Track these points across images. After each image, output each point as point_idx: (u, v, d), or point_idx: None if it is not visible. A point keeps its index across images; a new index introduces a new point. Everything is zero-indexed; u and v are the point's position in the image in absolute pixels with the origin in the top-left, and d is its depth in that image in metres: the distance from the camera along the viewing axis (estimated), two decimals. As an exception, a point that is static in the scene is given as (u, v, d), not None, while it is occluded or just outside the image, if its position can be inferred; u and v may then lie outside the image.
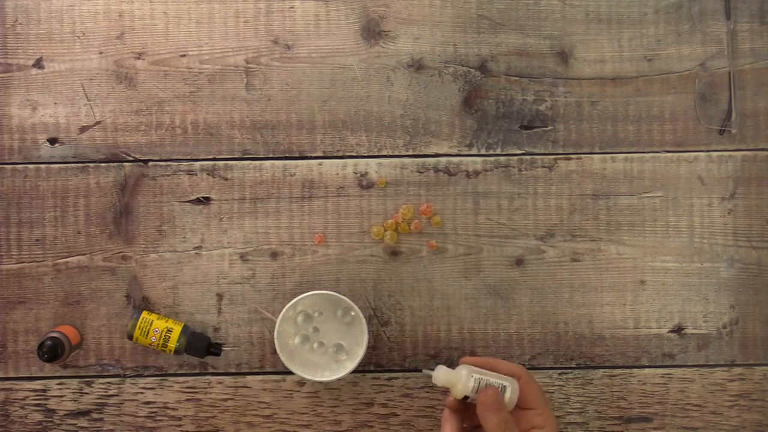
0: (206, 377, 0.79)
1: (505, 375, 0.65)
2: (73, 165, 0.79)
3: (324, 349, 0.76)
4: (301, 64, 0.80)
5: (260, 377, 0.79)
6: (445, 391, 0.76)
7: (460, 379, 0.63)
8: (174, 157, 0.80)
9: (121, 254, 0.79)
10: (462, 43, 0.80)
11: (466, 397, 0.64)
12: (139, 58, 0.80)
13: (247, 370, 0.79)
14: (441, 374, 0.64)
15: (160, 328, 0.76)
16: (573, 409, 0.79)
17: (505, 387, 0.63)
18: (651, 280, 0.80)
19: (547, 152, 0.80)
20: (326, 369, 0.76)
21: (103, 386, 0.79)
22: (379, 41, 0.80)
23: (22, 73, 0.80)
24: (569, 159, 0.80)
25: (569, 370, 0.79)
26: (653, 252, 0.80)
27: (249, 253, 0.79)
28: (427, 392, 0.79)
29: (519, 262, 0.80)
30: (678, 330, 0.80)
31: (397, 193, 0.80)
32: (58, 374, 0.79)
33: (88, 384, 0.79)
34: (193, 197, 0.80)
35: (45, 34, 0.80)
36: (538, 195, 0.80)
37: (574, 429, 0.79)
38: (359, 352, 0.75)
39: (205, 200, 0.79)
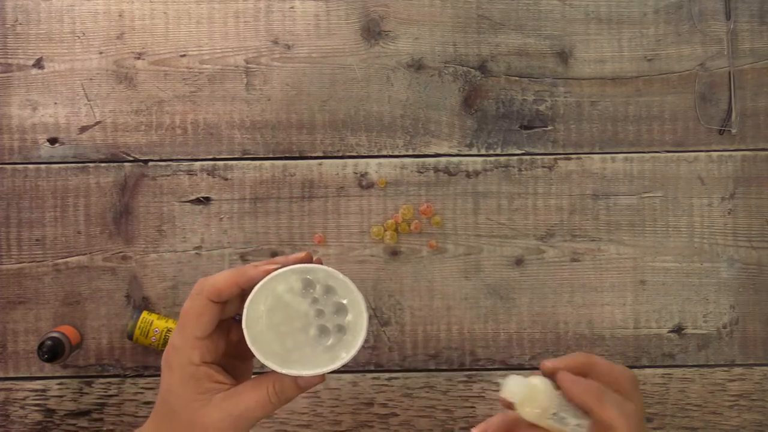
0: (206, 377, 0.79)
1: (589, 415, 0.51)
2: (73, 165, 0.79)
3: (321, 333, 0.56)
4: (301, 64, 0.80)
5: (260, 377, 0.79)
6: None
7: (536, 398, 0.52)
8: (174, 157, 0.80)
9: (121, 254, 0.79)
10: (462, 43, 0.80)
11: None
12: (139, 58, 0.80)
13: (247, 370, 0.79)
14: (511, 385, 0.52)
15: (160, 328, 0.76)
16: (573, 409, 0.79)
17: None
18: (651, 280, 0.80)
19: (547, 152, 0.80)
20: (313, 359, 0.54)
21: (103, 386, 0.79)
22: (379, 41, 0.80)
23: (22, 73, 0.80)
24: (569, 159, 0.80)
25: (569, 370, 0.79)
26: (653, 252, 0.80)
27: (249, 253, 0.79)
28: (427, 392, 0.79)
29: (519, 262, 0.80)
30: (678, 330, 0.80)
31: (397, 193, 0.80)
32: (58, 374, 0.79)
33: (88, 384, 0.79)
34: (193, 197, 0.80)
35: (45, 34, 0.80)
36: (538, 195, 0.80)
37: (574, 429, 0.79)
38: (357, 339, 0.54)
39: (205, 200, 0.79)
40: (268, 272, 0.53)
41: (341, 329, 0.55)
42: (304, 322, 0.55)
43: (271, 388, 0.53)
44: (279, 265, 0.53)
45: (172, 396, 0.53)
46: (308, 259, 0.54)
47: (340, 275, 0.53)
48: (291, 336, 0.55)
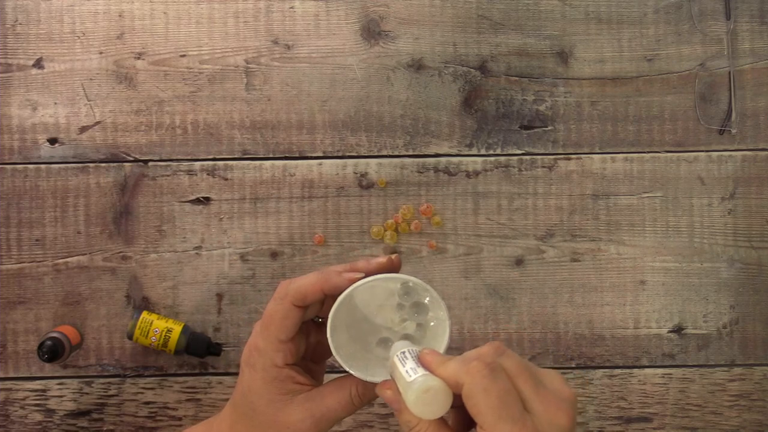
0: (206, 377, 0.79)
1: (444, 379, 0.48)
2: (73, 165, 0.79)
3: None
4: (301, 64, 0.80)
5: (260, 377, 0.79)
6: None
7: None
8: (174, 157, 0.80)
9: (121, 254, 0.79)
10: (462, 43, 0.80)
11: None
12: (139, 58, 0.80)
13: (247, 370, 0.79)
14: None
15: (160, 328, 0.76)
16: (573, 409, 0.79)
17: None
18: (651, 280, 0.80)
19: (547, 152, 0.80)
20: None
21: (103, 386, 0.79)
22: (379, 41, 0.80)
23: (22, 73, 0.80)
24: (569, 159, 0.80)
25: (569, 370, 0.79)
26: (653, 252, 0.80)
27: (249, 253, 0.79)
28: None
29: (519, 262, 0.80)
30: (678, 330, 0.80)
31: (397, 193, 0.80)
32: (58, 374, 0.79)
33: (88, 384, 0.79)
34: (193, 197, 0.80)
35: (45, 34, 0.80)
36: (538, 195, 0.80)
37: (574, 429, 0.79)
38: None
39: (205, 200, 0.79)
40: (353, 281, 0.53)
41: (421, 327, 0.56)
42: (387, 324, 0.56)
43: (354, 391, 0.54)
44: (363, 274, 0.54)
45: (255, 395, 0.55)
46: (389, 265, 0.55)
47: (421, 282, 0.54)
48: (373, 339, 0.56)
